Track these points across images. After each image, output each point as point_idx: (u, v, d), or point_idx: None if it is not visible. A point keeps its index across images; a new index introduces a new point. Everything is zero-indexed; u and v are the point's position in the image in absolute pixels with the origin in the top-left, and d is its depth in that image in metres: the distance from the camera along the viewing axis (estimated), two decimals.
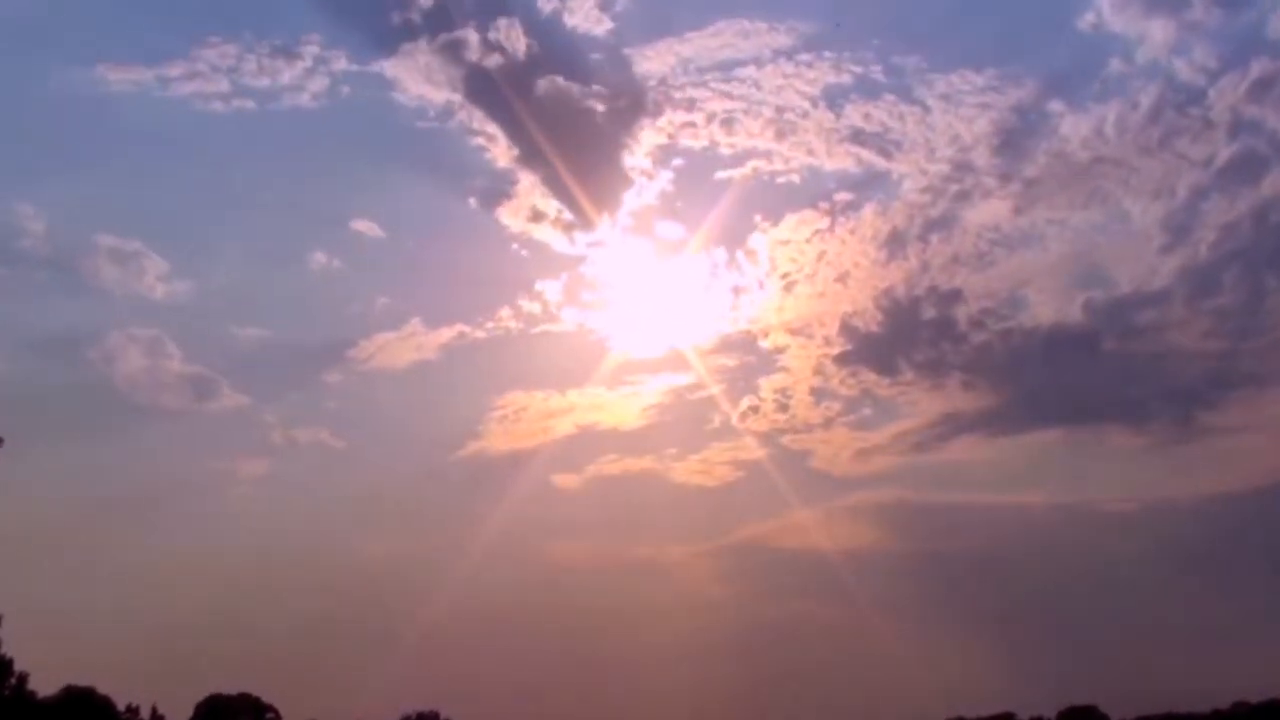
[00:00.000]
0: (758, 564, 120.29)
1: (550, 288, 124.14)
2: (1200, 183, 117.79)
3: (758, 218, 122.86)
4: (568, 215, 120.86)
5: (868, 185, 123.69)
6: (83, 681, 78.28)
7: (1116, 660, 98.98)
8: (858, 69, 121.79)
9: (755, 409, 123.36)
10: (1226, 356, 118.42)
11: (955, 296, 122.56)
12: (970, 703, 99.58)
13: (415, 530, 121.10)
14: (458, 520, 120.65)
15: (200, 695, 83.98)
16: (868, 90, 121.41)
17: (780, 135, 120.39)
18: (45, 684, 75.87)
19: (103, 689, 79.13)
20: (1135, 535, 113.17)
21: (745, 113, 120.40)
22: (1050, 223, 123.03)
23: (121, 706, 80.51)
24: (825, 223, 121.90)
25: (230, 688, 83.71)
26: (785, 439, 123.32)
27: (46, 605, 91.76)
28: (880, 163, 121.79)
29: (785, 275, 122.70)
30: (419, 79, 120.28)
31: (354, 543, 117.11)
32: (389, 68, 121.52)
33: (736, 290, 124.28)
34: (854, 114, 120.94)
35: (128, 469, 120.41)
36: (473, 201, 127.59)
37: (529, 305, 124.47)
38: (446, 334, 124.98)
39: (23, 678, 76.87)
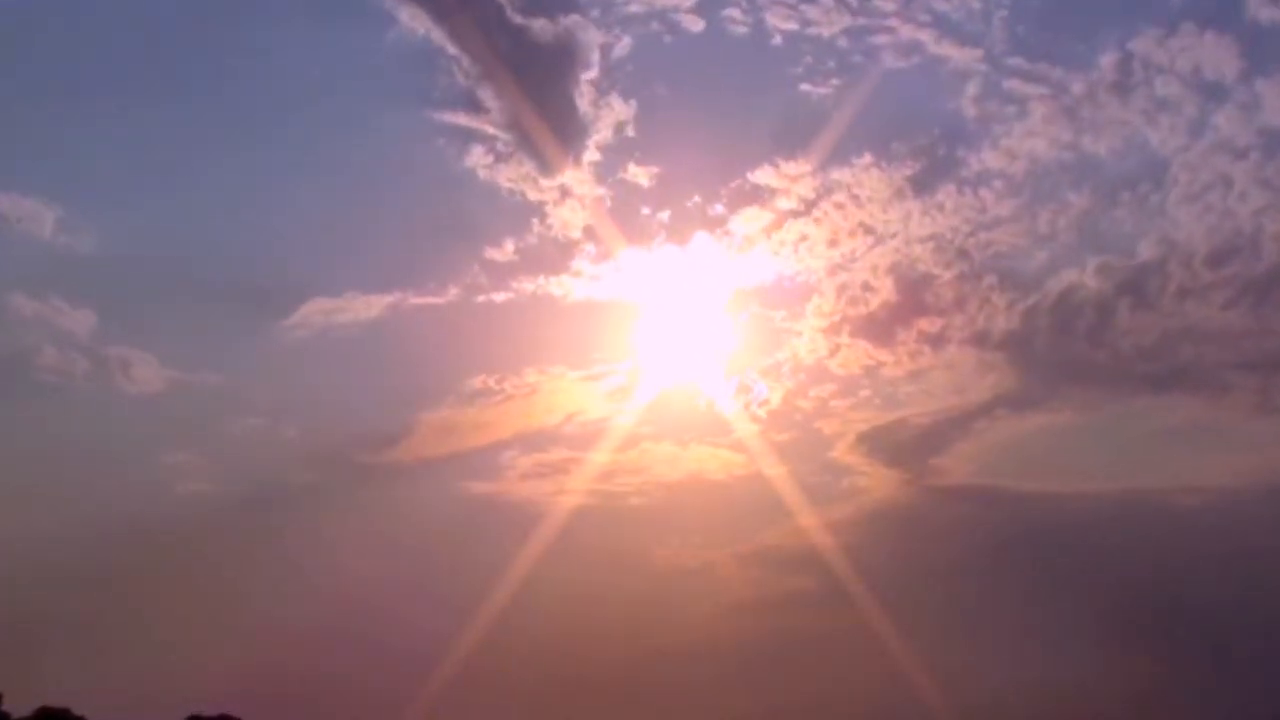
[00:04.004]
0: (756, 565, 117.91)
1: (505, 244, 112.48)
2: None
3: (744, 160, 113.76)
4: (525, 152, 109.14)
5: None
6: None
7: (1128, 674, 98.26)
8: None
9: (747, 390, 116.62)
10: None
11: (967, 257, 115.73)
12: (976, 712, 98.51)
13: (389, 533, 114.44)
14: (448, 520, 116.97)
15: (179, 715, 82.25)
16: None
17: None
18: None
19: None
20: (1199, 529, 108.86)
21: None
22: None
23: None
24: (817, 165, 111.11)
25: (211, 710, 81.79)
26: (784, 425, 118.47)
27: None
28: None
29: (771, 229, 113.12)
30: None
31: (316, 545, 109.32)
32: None
33: (719, 248, 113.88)
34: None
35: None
36: (419, 131, 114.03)
37: (476, 269, 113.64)
38: (388, 300, 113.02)
39: None
